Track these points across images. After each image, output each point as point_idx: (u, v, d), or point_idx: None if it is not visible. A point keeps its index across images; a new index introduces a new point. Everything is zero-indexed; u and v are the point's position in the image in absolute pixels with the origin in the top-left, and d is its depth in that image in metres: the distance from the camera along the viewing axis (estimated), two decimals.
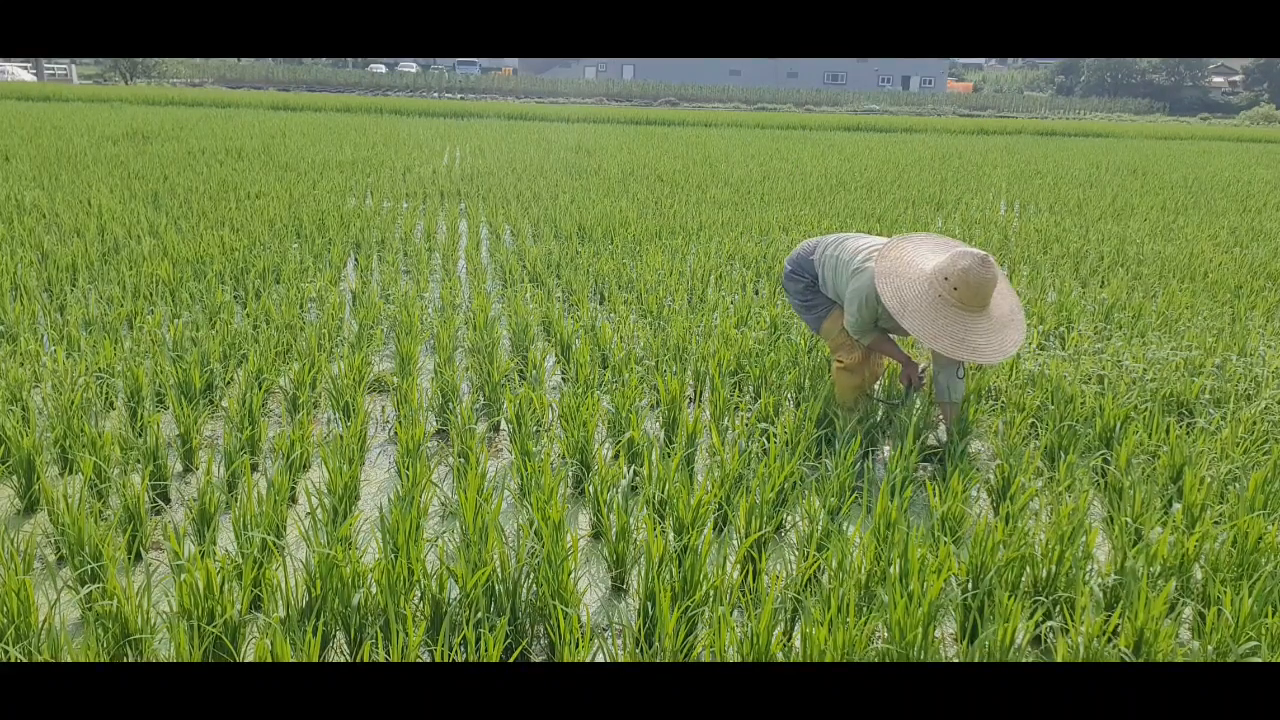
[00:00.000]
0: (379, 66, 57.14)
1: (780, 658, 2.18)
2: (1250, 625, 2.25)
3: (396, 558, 2.38)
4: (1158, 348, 4.58)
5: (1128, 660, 2.25)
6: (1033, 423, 3.76)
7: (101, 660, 2.11)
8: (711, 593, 2.37)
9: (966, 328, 3.26)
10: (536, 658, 2.34)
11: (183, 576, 2.21)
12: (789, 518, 3.01)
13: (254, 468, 3.25)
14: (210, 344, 4.04)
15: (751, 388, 4.03)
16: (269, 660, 2.05)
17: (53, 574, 2.46)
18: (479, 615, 2.28)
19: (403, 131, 17.20)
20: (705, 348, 4.28)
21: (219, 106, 23.62)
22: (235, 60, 48.28)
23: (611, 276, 5.75)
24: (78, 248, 5.82)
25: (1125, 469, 3.22)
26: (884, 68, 62.00)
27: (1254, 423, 3.64)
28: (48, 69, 41.46)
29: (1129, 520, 2.82)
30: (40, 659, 2.06)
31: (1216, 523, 2.94)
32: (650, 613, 2.31)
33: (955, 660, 2.36)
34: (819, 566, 2.62)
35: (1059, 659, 2.26)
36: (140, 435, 3.31)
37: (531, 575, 2.41)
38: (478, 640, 2.24)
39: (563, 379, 4.29)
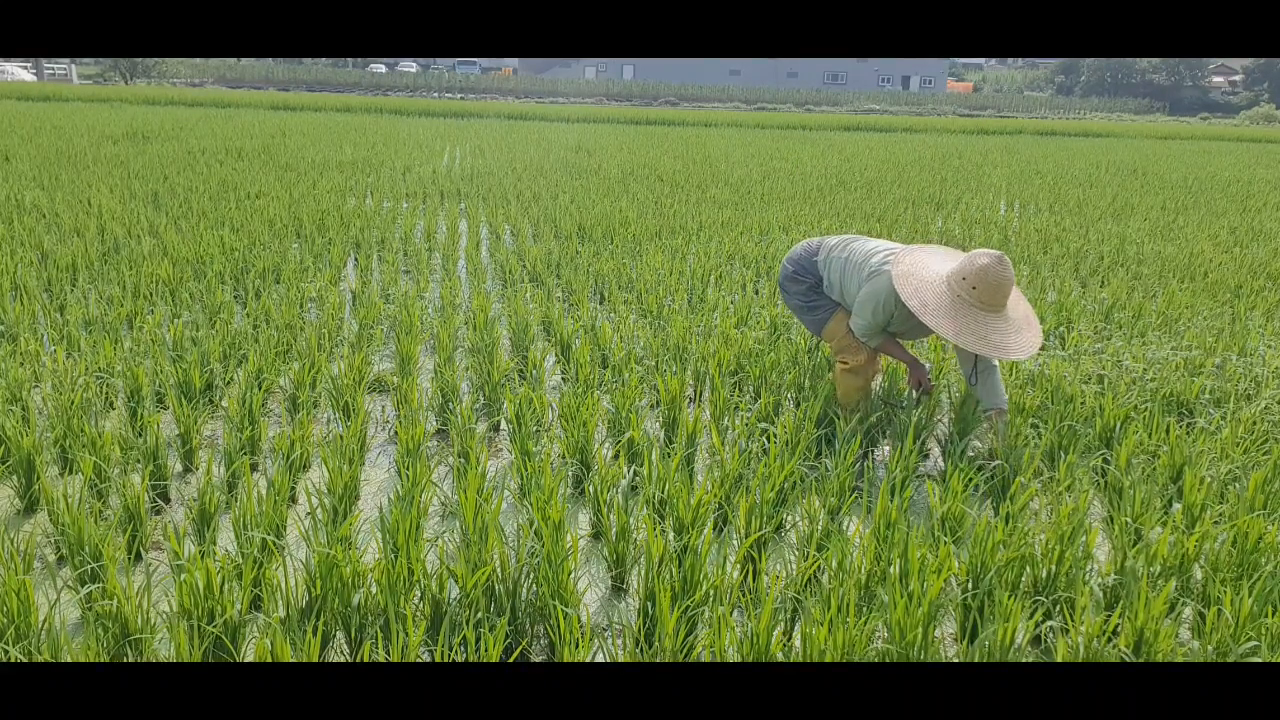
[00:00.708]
0: (379, 66, 57.17)
1: (780, 658, 2.18)
2: (1250, 625, 2.25)
3: (396, 558, 2.38)
4: (1158, 347, 4.58)
5: (1128, 660, 2.25)
6: (1033, 423, 3.76)
7: (101, 660, 2.11)
8: (711, 593, 2.37)
9: (988, 326, 3.33)
10: (536, 658, 2.34)
11: (183, 576, 2.21)
12: (789, 518, 3.01)
13: (254, 468, 3.25)
14: (210, 344, 4.04)
15: (751, 387, 4.03)
16: (269, 660, 2.05)
17: (53, 574, 2.46)
18: (479, 615, 2.28)
19: (403, 131, 17.20)
20: (705, 347, 4.28)
21: (219, 106, 23.63)
22: (235, 60, 48.30)
23: (611, 276, 5.75)
24: (78, 247, 5.82)
25: (1125, 469, 3.22)
26: (884, 68, 62.03)
27: (1254, 422, 3.64)
28: (48, 69, 41.48)
29: (1129, 520, 2.82)
30: (40, 659, 2.06)
31: (1216, 523, 2.94)
32: (650, 613, 2.31)
33: (955, 660, 2.36)
34: (819, 566, 2.62)
35: (1059, 659, 2.26)
36: (140, 435, 3.31)
37: (531, 575, 2.41)
38: (478, 640, 2.24)
39: (563, 379, 4.29)
